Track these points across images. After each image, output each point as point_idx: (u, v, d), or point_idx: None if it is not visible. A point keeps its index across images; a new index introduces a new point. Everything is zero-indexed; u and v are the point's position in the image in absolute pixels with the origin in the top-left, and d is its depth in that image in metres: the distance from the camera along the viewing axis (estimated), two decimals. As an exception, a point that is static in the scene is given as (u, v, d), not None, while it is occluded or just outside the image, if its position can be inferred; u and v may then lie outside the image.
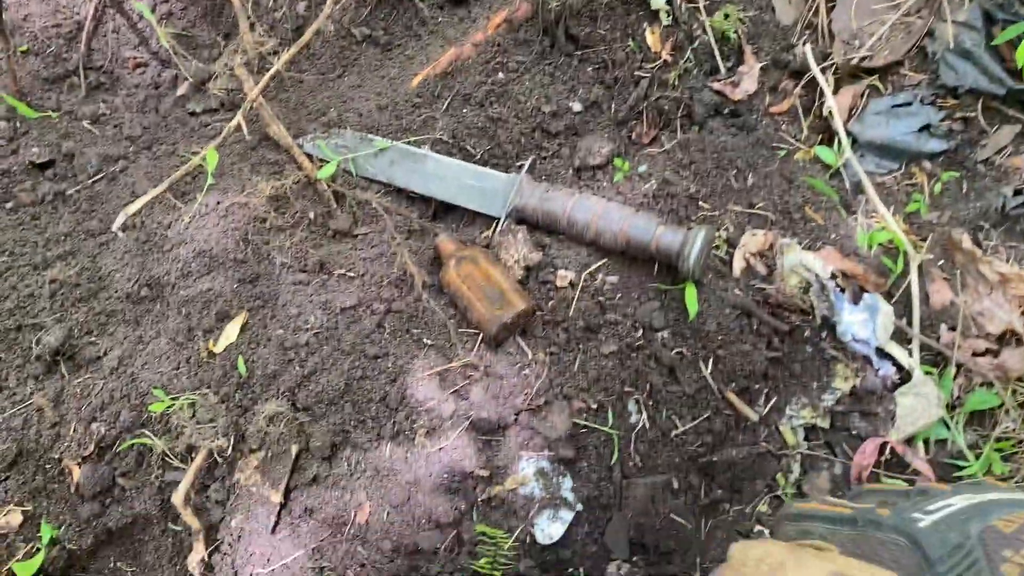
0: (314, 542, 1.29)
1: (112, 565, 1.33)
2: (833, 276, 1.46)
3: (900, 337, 1.46)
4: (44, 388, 1.38)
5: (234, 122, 1.64)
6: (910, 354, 1.45)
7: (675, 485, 1.38)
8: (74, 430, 1.34)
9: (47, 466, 1.33)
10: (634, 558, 1.37)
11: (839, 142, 1.61)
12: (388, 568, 1.25)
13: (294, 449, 1.29)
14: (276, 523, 1.29)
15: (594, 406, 1.35)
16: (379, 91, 1.80)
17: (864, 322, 1.44)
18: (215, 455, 1.29)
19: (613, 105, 1.73)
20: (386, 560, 1.26)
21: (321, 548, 1.29)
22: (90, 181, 1.74)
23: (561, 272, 1.47)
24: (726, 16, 1.73)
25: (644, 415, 1.38)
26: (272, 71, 1.69)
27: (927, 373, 1.43)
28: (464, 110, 1.72)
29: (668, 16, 1.73)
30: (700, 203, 1.55)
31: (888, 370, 1.44)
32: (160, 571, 1.31)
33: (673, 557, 1.38)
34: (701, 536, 1.40)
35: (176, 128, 1.88)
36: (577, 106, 1.72)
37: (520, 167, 1.67)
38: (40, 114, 1.84)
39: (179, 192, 1.65)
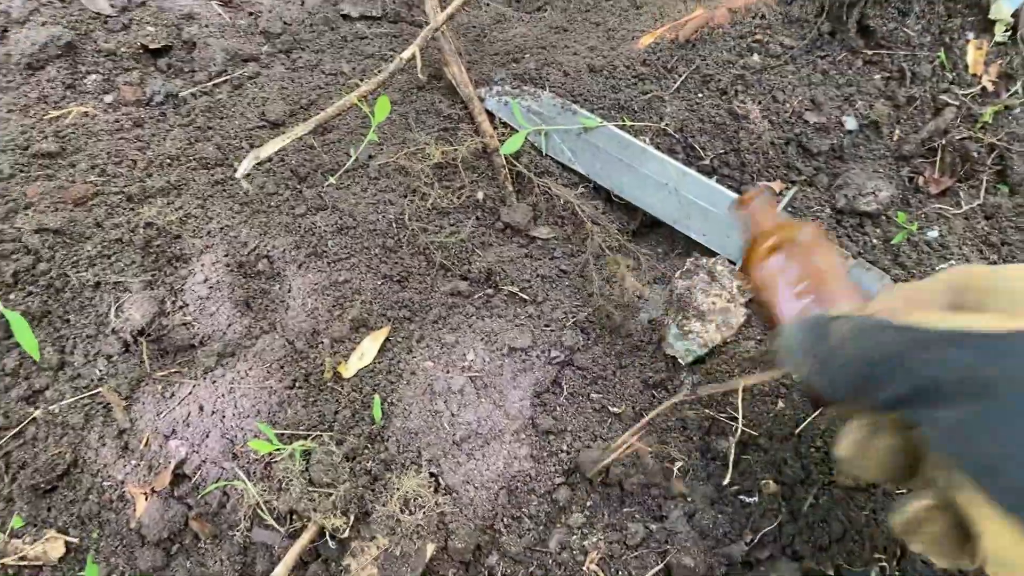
0: (430, 669, 0.97)
1: (167, 629, 1.03)
2: None
3: None
4: (117, 376, 1.05)
5: (407, 53, 1.24)
6: None
7: None
8: (146, 445, 1.02)
9: (104, 487, 1.01)
10: None
11: None
12: None
13: (429, 548, 0.96)
14: (385, 635, 0.97)
15: (831, 574, 0.99)
16: (592, 45, 1.38)
17: None
18: (326, 534, 0.96)
19: (898, 132, 1.30)
20: None
21: None
22: (210, 83, 1.37)
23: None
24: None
25: (889, 592, 1.02)
26: (468, -5, 1.28)
27: None
28: (700, 95, 1.30)
29: (1006, 31, 1.27)
30: (1006, 303, 1.14)
31: None
32: (225, 647, 1.01)
33: None
34: None
35: (323, 32, 1.48)
36: (851, 123, 1.30)
37: (770, 190, 1.26)
38: (163, -18, 1.45)
39: (320, 130, 1.28)
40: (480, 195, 1.25)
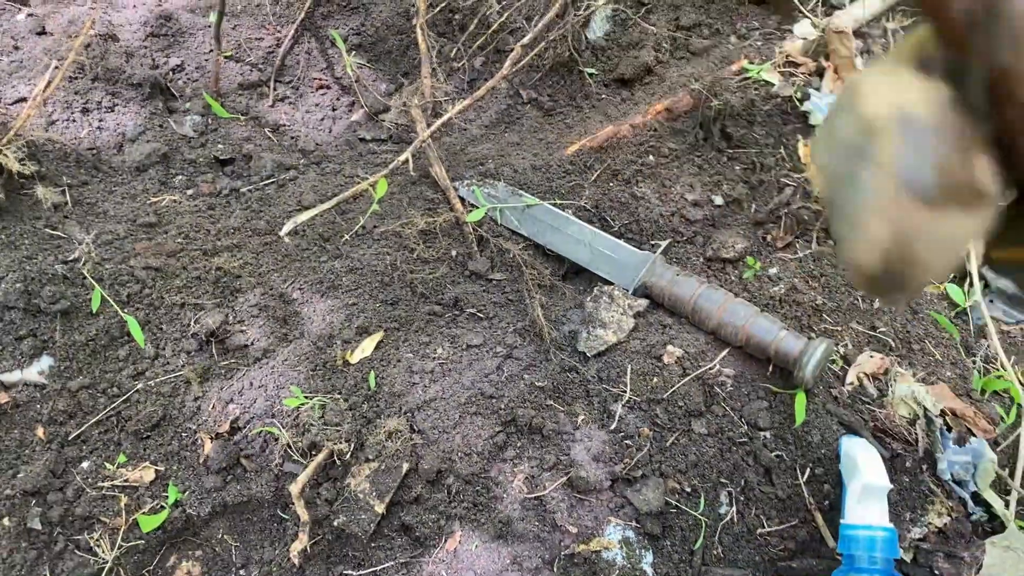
0: (404, 557, 1.38)
1: (220, 536, 1.45)
2: (942, 413, 1.48)
3: (1000, 487, 1.47)
4: (194, 364, 1.53)
5: (403, 157, 1.78)
6: (1007, 505, 1.46)
7: (751, 582, 1.41)
8: (213, 407, 1.48)
9: (183, 434, 1.47)
10: (697, 643, 1.41)
11: (970, 283, 1.64)
12: (467, 597, 1.33)
13: (404, 467, 1.39)
14: (374, 531, 1.38)
15: (688, 489, 1.41)
16: (536, 152, 1.92)
17: (966, 465, 1.46)
18: (335, 456, 1.40)
19: (754, 206, 1.80)
20: (467, 589, 1.34)
21: (409, 564, 1.38)
22: (263, 183, 1.91)
23: (670, 348, 1.53)
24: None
25: (734, 508, 1.42)
26: (444, 118, 1.83)
27: (1021, 528, 1.43)
28: (611, 184, 1.82)
29: (823, 132, 1.79)
30: (824, 315, 1.60)
31: (982, 517, 1.45)
32: (261, 550, 1.42)
33: (735, 651, 1.42)
34: (766, 637, 1.43)
35: (345, 150, 2.04)
36: (719, 200, 1.80)
37: (655, 246, 1.75)
38: (230, 115, 2.03)
39: (340, 209, 1.80)
40: (453, 252, 1.75)
